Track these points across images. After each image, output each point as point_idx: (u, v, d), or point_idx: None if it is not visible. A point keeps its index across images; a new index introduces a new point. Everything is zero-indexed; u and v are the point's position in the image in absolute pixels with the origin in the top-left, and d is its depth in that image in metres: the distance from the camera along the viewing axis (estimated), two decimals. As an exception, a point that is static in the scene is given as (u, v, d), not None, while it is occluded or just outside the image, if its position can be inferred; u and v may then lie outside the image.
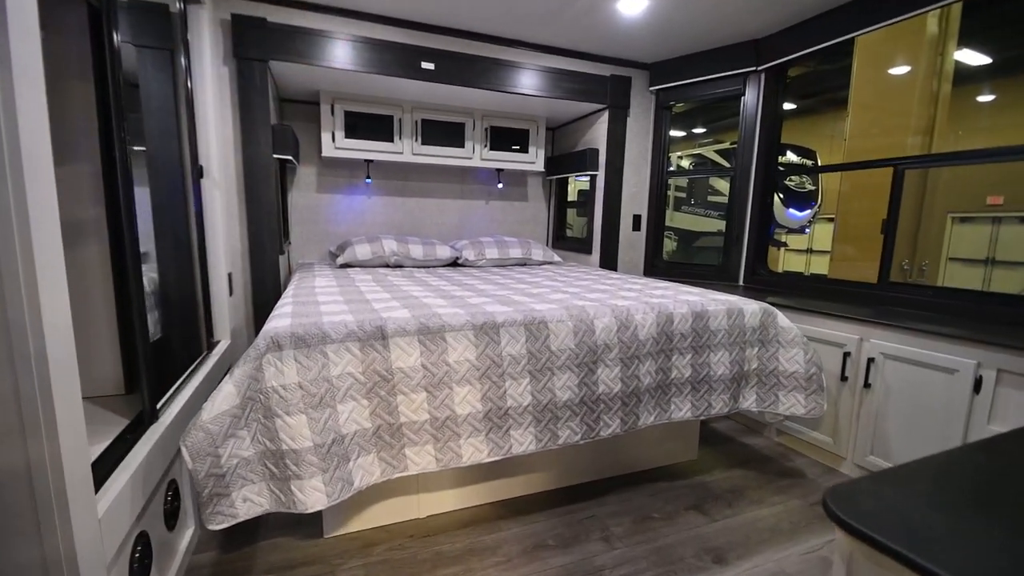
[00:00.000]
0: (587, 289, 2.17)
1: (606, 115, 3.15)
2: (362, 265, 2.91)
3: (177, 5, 1.96)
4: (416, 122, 3.16)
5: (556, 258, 3.39)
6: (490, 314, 1.56)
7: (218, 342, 2.32)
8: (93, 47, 1.34)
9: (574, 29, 2.71)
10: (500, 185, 3.71)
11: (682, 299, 1.93)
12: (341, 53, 2.51)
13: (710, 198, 5.99)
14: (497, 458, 1.51)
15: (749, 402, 1.94)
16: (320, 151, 3.00)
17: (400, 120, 3.12)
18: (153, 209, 1.99)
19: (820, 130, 6.29)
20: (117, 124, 1.25)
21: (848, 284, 2.43)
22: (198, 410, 1.24)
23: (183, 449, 1.18)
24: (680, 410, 1.81)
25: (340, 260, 2.86)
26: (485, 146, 3.34)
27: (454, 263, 3.18)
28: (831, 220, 5.44)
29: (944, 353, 1.72)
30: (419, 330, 1.44)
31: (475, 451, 1.48)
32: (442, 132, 3.25)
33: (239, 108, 2.39)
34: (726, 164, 5.48)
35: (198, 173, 2.14)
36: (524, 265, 3.26)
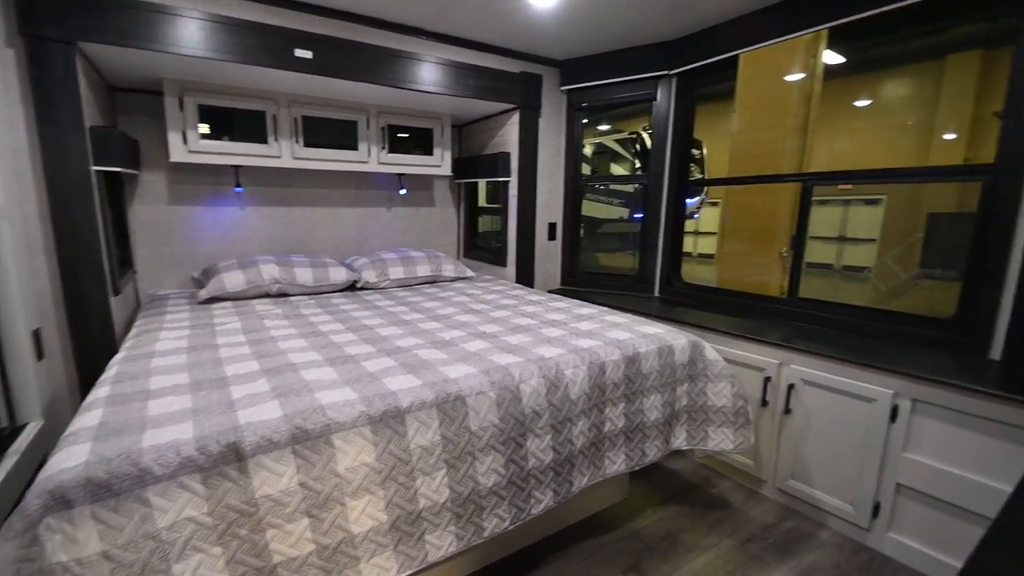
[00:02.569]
0: (508, 326, 1.92)
1: (517, 116, 2.89)
2: (235, 298, 2.39)
3: None
4: (295, 119, 2.65)
5: (469, 272, 3.10)
6: (391, 395, 1.24)
7: (23, 427, 1.73)
8: None
9: (480, 19, 2.37)
10: (403, 191, 3.31)
11: (611, 338, 1.76)
12: (187, 34, 1.96)
13: (612, 186, 6.04)
14: (410, 572, 1.22)
15: (680, 440, 1.84)
16: (169, 155, 2.39)
17: (275, 117, 2.59)
18: None
19: (703, 120, 6.67)
20: None
21: (760, 298, 2.44)
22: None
23: None
24: (614, 464, 1.65)
25: (204, 293, 2.32)
26: (383, 148, 2.92)
27: (352, 287, 2.76)
28: (715, 204, 5.79)
29: (862, 382, 1.73)
30: (293, 438, 1.08)
31: (380, 572, 1.18)
32: (330, 131, 2.77)
33: (33, 106, 1.76)
34: (626, 154, 5.50)
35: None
36: (434, 283, 2.93)
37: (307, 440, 1.10)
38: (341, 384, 1.30)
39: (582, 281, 3.18)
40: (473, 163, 3.25)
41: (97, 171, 1.93)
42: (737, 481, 2.19)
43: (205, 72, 2.22)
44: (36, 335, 1.81)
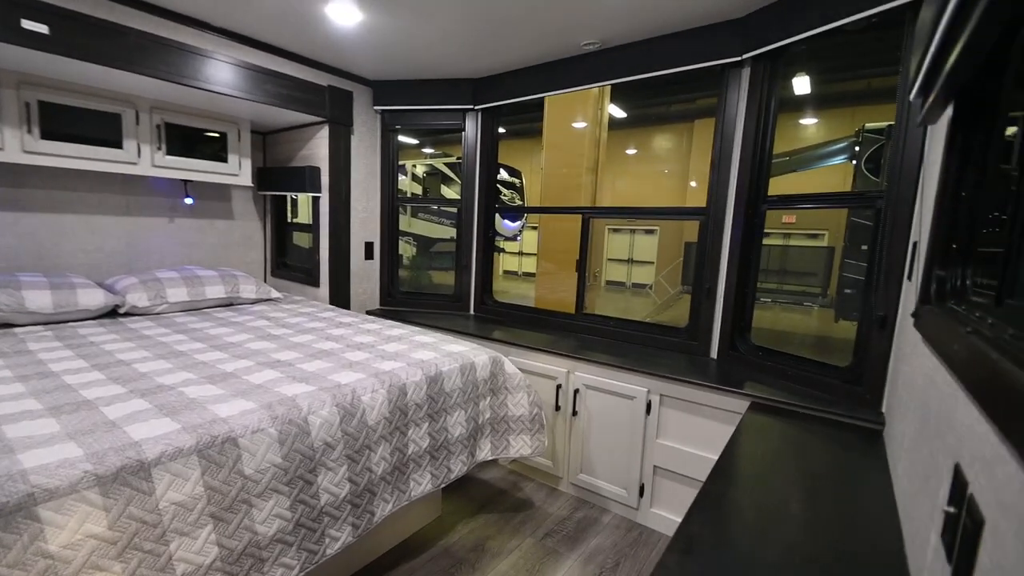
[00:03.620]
0: (308, 352, 1.80)
1: (327, 130, 2.76)
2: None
3: None
4: (27, 104, 2.11)
5: (274, 294, 2.82)
6: (132, 447, 1.05)
7: None
8: None
9: (279, 24, 2.22)
10: (189, 200, 2.87)
11: (416, 359, 1.78)
12: None
13: (444, 208, 6.24)
14: (163, 653, 1.04)
15: (484, 452, 1.94)
16: None
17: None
18: None
19: (523, 152, 7.51)
20: None
21: (556, 315, 2.75)
22: None
23: None
24: (420, 485, 1.66)
25: None
26: (159, 148, 2.50)
27: (113, 313, 2.28)
28: (535, 228, 6.47)
29: (627, 383, 2.06)
30: (-22, 516, 0.84)
31: (119, 664, 0.97)
32: (83, 123, 2.27)
33: None
34: (454, 176, 5.72)
35: None
36: (230, 307, 2.60)
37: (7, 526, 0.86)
38: (61, 439, 1.05)
39: (401, 301, 3.16)
40: (279, 174, 2.99)
41: None
42: (540, 481, 2.40)
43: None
44: None
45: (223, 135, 2.74)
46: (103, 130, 2.33)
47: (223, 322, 2.25)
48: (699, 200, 2.25)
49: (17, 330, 1.97)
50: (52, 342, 1.82)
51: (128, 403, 1.27)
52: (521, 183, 6.88)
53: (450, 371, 1.79)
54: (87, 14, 1.90)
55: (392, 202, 3.11)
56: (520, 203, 6.65)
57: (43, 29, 1.81)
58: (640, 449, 2.05)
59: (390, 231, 3.12)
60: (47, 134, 2.18)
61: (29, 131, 2.14)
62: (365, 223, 3.03)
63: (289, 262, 3.32)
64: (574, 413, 2.22)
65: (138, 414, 1.20)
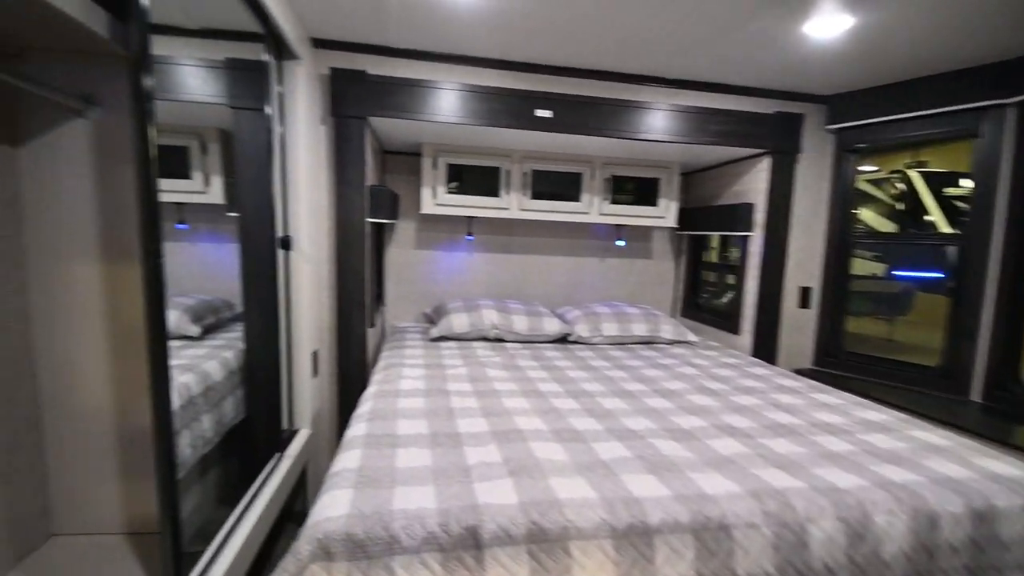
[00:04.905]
0: (762, 424, 1.52)
1: (766, 161, 2.47)
2: (458, 338, 2.52)
3: (272, 60, 1.73)
4: (525, 173, 2.76)
5: (691, 336, 2.72)
6: (635, 504, 1.01)
7: (296, 431, 2.04)
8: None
9: (729, 59, 2.11)
10: (621, 243, 3.15)
11: (938, 472, 1.21)
12: (446, 104, 2.18)
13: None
14: None
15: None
16: (419, 207, 2.71)
17: (508, 172, 2.73)
18: (243, 283, 1.77)
19: None
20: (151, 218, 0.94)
21: None
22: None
23: None
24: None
25: (435, 332, 2.50)
26: (605, 199, 2.83)
27: (563, 339, 2.67)
28: None
29: None
30: (530, 536, 0.93)
31: None
32: (555, 184, 2.81)
33: (334, 170, 2.15)
34: (883, 196, 4.31)
35: (284, 244, 1.89)
36: (650, 345, 2.65)
37: (544, 542, 0.94)
38: (573, 471, 1.13)
39: (846, 363, 2.49)
40: (702, 214, 2.91)
41: (370, 222, 2.25)
42: None
43: (455, 135, 2.45)
44: (314, 356, 2.14)
45: (655, 181, 2.88)
46: (568, 188, 2.82)
47: (650, 362, 2.26)
48: None
49: (507, 345, 2.53)
50: (531, 361, 2.22)
51: (609, 444, 1.30)
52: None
53: (1009, 510, 1.13)
54: (577, 94, 2.29)
55: (842, 239, 2.51)
56: None
57: (548, 114, 2.28)
58: None
59: (836, 274, 2.52)
60: (536, 195, 2.79)
61: (525, 193, 2.78)
62: (801, 264, 2.56)
63: (700, 303, 3.20)
64: None
65: (624, 462, 1.19)
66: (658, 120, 2.36)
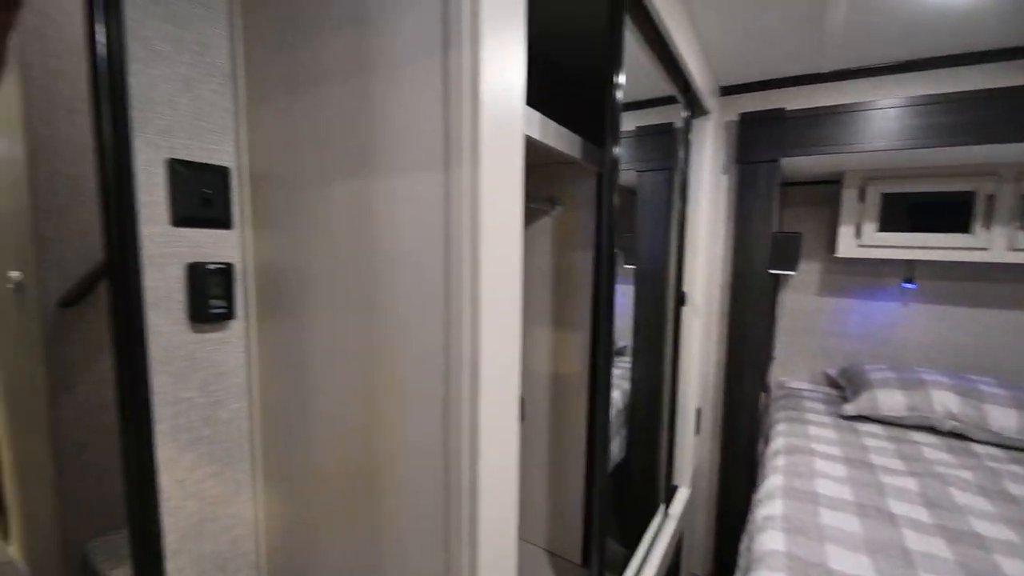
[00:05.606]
0: None
1: None
2: (886, 422, 1.92)
3: (681, 120, 1.77)
4: (1022, 197, 1.85)
5: None
6: None
7: (676, 488, 2.01)
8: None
9: None
10: None
11: None
12: (889, 126, 1.70)
13: None
14: None
15: None
16: (833, 248, 2.23)
17: (989, 198, 1.91)
18: (633, 331, 1.89)
19: None
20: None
21: None
22: None
23: None
24: None
25: (851, 408, 1.98)
26: None
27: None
28: None
29: None
30: None
31: None
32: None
33: (734, 220, 2.02)
34: None
35: (679, 300, 1.90)
36: None
37: None
38: None
39: None
40: None
41: (771, 273, 2.00)
42: None
43: (893, 155, 1.87)
44: (698, 413, 2.07)
45: None
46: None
47: None
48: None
49: (974, 446, 1.75)
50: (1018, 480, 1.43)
51: None
52: None
53: None
54: None
55: None
56: None
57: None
58: None
59: None
60: (1037, 227, 1.83)
61: (1015, 226, 1.87)
62: None
63: None
64: None
65: None
66: None
